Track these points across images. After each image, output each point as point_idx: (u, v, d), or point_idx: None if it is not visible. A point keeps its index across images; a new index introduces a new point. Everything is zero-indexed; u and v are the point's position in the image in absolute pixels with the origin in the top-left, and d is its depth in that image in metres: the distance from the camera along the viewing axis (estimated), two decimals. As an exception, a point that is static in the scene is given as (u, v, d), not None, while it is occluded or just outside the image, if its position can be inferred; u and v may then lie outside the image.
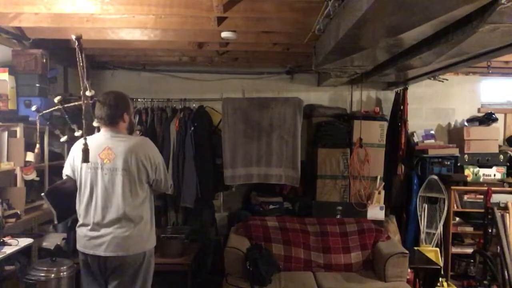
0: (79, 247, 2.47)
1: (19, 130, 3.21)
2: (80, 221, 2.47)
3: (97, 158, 2.38)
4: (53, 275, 2.88)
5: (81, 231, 2.46)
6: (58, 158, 3.91)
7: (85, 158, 2.22)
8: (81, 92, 2.65)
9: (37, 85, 3.44)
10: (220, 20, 3.02)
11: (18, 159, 3.18)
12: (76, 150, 2.48)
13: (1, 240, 2.71)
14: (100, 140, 2.43)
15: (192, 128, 4.18)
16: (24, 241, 2.81)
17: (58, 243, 3.53)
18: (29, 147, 3.39)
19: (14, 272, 2.82)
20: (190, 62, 4.56)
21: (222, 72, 4.81)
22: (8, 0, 2.75)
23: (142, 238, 2.42)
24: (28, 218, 3.24)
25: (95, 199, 2.40)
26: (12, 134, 3.20)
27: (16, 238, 2.78)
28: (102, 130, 2.48)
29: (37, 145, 2.85)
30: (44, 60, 3.51)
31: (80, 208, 2.46)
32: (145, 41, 3.60)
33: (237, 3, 2.70)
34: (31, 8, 2.79)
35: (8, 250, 2.64)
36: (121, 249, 2.36)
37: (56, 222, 2.61)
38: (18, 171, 3.22)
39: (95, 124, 2.58)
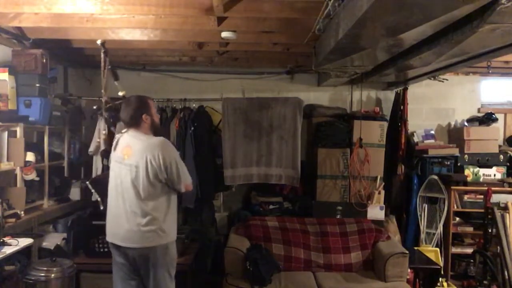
0: (107, 236, 2.71)
1: (19, 130, 3.21)
2: (107, 211, 2.71)
3: (121, 154, 2.64)
4: (53, 275, 2.88)
5: (107, 220, 2.71)
6: (58, 158, 3.91)
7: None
8: (102, 92, 2.81)
9: (37, 85, 3.43)
10: (220, 20, 3.02)
11: (18, 159, 3.18)
12: (114, 145, 2.76)
13: (1, 240, 2.71)
14: (126, 138, 2.67)
15: (192, 128, 4.18)
16: (24, 241, 2.80)
17: (58, 243, 3.54)
18: (29, 147, 3.39)
19: (14, 272, 2.82)
20: (190, 62, 4.56)
21: (222, 72, 4.80)
22: (8, 0, 2.75)
23: (153, 232, 2.55)
24: (28, 218, 3.24)
25: (117, 192, 2.63)
26: (12, 134, 3.20)
27: (16, 238, 2.78)
28: (129, 130, 2.69)
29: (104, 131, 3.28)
30: (44, 60, 3.50)
31: (108, 198, 2.70)
32: (145, 41, 3.60)
33: (237, 3, 2.70)
34: (31, 8, 2.79)
35: (8, 250, 2.64)
36: (132, 241, 2.56)
37: (102, 208, 2.88)
38: (18, 171, 3.22)
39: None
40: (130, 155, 2.58)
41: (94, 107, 3.73)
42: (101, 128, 3.73)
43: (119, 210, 2.60)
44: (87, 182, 2.94)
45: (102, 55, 2.83)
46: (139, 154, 2.55)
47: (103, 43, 2.83)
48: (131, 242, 2.56)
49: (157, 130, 2.74)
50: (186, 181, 2.67)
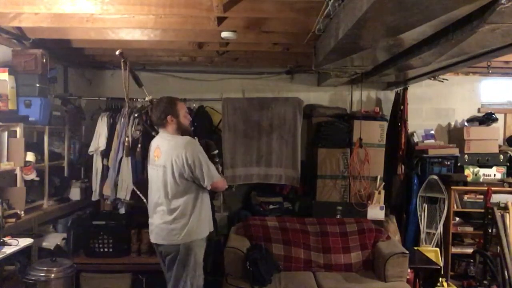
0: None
1: (19, 130, 3.21)
2: (148, 209, 2.88)
3: (153, 156, 2.80)
4: (53, 275, 2.89)
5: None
6: (58, 158, 3.91)
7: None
8: (125, 98, 3.20)
9: (37, 85, 3.43)
10: (220, 20, 3.02)
11: (18, 159, 3.18)
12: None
13: (1, 240, 2.71)
14: (157, 140, 2.84)
15: (192, 128, 4.17)
16: (24, 241, 2.80)
17: (58, 243, 3.54)
18: (29, 147, 3.39)
19: (14, 272, 2.82)
20: (190, 62, 4.56)
21: (222, 72, 4.80)
22: (8, 0, 2.75)
23: (178, 230, 2.66)
24: (28, 218, 3.24)
25: (152, 191, 2.80)
26: (12, 134, 3.19)
27: (16, 238, 2.78)
28: (159, 131, 2.84)
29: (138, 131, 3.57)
30: (44, 60, 3.50)
31: (148, 198, 2.89)
32: (145, 41, 3.60)
33: (237, 3, 2.70)
34: (31, 8, 2.79)
35: (8, 250, 2.64)
36: (161, 237, 2.72)
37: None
38: (18, 171, 3.22)
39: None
40: (159, 156, 2.72)
41: (136, 113, 3.86)
42: (127, 128, 3.80)
43: (153, 208, 2.78)
44: (133, 186, 3.21)
45: (122, 64, 3.01)
46: (165, 154, 2.68)
47: (121, 53, 2.99)
48: (160, 238, 2.73)
49: (185, 131, 2.80)
50: (213, 179, 2.73)
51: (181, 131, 2.78)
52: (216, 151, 2.99)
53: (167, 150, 2.69)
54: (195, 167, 2.64)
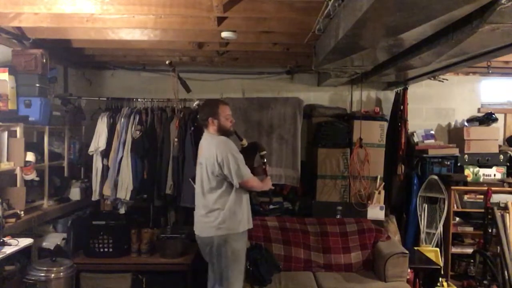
0: None
1: (19, 130, 3.21)
2: None
3: (198, 154, 3.00)
4: (53, 275, 2.89)
5: None
6: (58, 158, 3.91)
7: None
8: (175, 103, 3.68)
9: (37, 85, 3.43)
10: (220, 20, 3.02)
11: (18, 159, 3.18)
12: None
13: (1, 240, 2.71)
14: (202, 139, 3.01)
15: (192, 128, 4.17)
16: (24, 241, 2.80)
17: (58, 243, 3.54)
18: (29, 147, 3.39)
19: (14, 272, 2.82)
20: (190, 62, 4.56)
21: (222, 72, 4.80)
22: (8, 0, 2.75)
23: (211, 223, 2.81)
24: (28, 218, 3.24)
25: (196, 187, 2.98)
26: (12, 134, 3.20)
27: (16, 238, 2.78)
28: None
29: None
30: (44, 60, 3.50)
31: None
32: (145, 41, 3.60)
33: (237, 3, 2.70)
34: (31, 8, 2.79)
35: (8, 250, 2.64)
36: (198, 229, 2.92)
37: None
38: (18, 171, 3.22)
39: None
40: (200, 154, 2.93)
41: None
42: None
43: (196, 202, 2.99)
44: (190, 179, 3.52)
45: (172, 73, 3.46)
46: (203, 153, 2.88)
47: (170, 63, 3.48)
48: (198, 231, 2.92)
49: (226, 132, 2.92)
50: (242, 178, 2.79)
51: (222, 132, 2.90)
52: (264, 152, 3.14)
53: (204, 148, 2.89)
54: (223, 165, 2.74)
